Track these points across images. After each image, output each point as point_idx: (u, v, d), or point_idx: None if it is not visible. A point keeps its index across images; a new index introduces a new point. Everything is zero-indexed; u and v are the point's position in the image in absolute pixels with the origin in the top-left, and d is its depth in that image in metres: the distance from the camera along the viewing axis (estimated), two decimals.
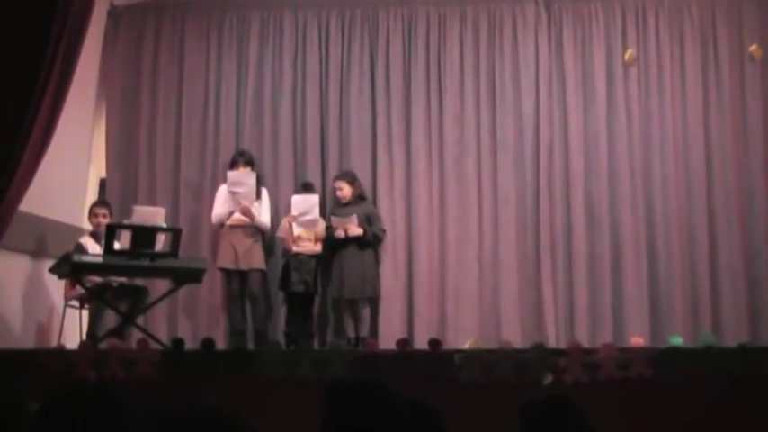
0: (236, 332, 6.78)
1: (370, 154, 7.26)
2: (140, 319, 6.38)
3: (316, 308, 6.97)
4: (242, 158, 6.89)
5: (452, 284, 7.04)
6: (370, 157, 7.25)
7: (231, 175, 6.76)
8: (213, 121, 7.38)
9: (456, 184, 7.20)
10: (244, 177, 6.75)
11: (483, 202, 7.16)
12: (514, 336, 6.61)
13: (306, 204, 6.73)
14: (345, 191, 6.89)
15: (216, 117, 7.39)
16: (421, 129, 7.26)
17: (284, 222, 6.82)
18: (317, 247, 6.78)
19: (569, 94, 7.23)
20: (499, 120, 7.24)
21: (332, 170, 7.22)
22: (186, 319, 7.09)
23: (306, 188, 6.96)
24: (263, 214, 6.86)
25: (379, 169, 7.20)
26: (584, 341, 6.11)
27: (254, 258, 6.78)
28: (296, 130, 7.33)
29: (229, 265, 6.76)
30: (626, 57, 7.20)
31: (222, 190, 6.89)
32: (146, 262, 5.86)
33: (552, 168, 7.14)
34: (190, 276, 6.13)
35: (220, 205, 6.86)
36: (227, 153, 7.22)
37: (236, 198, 6.70)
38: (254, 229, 6.81)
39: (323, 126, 7.33)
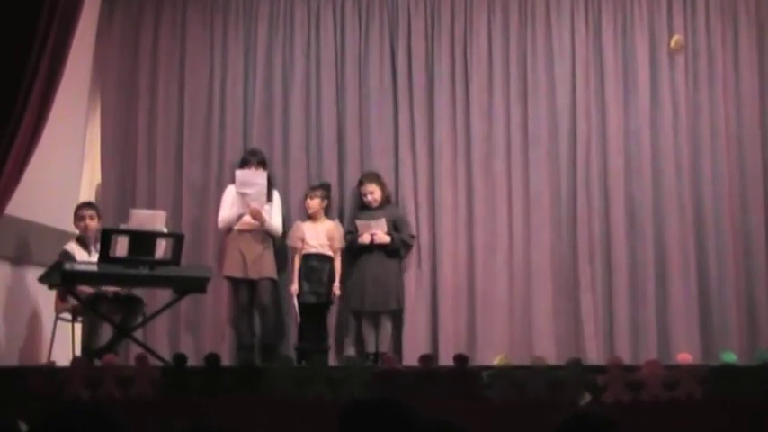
0: (243, 347, 6.81)
1: (393, 152, 7.28)
2: (139, 333, 6.38)
3: (333, 319, 7.00)
4: (254, 158, 6.90)
5: (480, 295, 7.05)
6: (392, 156, 7.28)
7: (240, 174, 6.77)
8: (218, 115, 7.38)
9: (484, 184, 7.20)
10: (254, 176, 6.76)
11: (513, 205, 7.17)
12: (548, 351, 6.59)
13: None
14: (377, 194, 6.92)
15: (221, 111, 7.39)
16: (445, 124, 7.26)
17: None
18: (327, 250, 6.82)
19: (608, 86, 7.21)
20: (531, 114, 7.23)
21: (350, 170, 7.24)
22: (189, 332, 7.10)
23: (323, 189, 6.99)
24: (274, 218, 6.87)
25: (402, 169, 7.22)
26: (626, 357, 6.07)
27: (265, 266, 6.79)
28: (309, 126, 7.34)
29: (237, 273, 6.77)
30: (672, 43, 7.16)
31: (230, 191, 6.90)
32: (144, 270, 5.85)
33: (590, 167, 7.13)
34: (193, 286, 6.12)
35: (228, 208, 6.87)
36: (233, 151, 7.27)
37: (245, 199, 6.72)
38: (264, 235, 6.83)
39: (339, 121, 7.33)
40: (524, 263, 7.08)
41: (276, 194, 6.98)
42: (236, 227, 6.83)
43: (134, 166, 7.36)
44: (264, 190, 6.73)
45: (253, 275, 6.75)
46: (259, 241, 6.81)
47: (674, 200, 7.05)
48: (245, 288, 6.82)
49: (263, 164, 6.92)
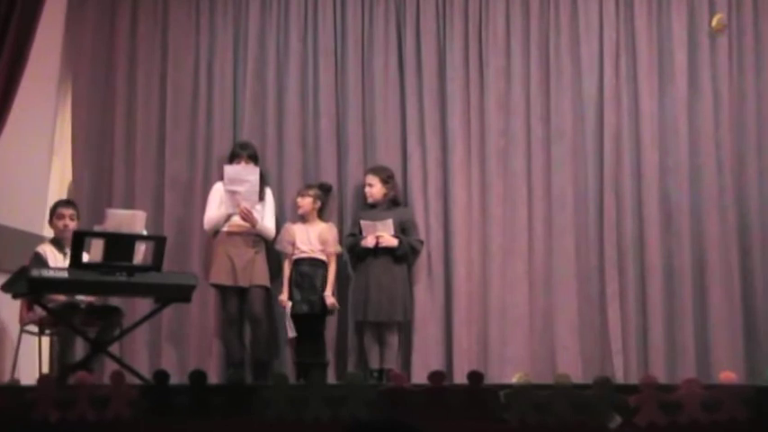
0: (233, 363, 6.80)
1: (399, 147, 7.30)
2: (115, 348, 6.37)
3: (332, 332, 7.00)
4: (244, 152, 6.92)
5: (497, 305, 7.05)
6: (398, 151, 7.29)
7: (229, 170, 6.78)
8: (205, 106, 7.39)
9: (501, 182, 7.20)
10: (245, 172, 6.77)
11: (534, 205, 7.18)
12: (573, 368, 6.61)
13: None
14: (375, 189, 6.93)
15: (208, 101, 7.40)
16: (458, 115, 7.26)
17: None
18: (320, 254, 6.84)
19: (641, 71, 7.20)
20: (554, 104, 7.24)
21: (351, 167, 7.27)
22: (172, 346, 7.11)
23: (318, 189, 7.00)
24: (266, 218, 6.89)
25: (409, 165, 7.23)
26: (661, 376, 6.14)
27: (256, 273, 6.79)
28: (305, 118, 7.35)
29: (226, 280, 6.78)
30: (714, 23, 7.15)
31: (217, 189, 6.92)
32: (122, 277, 5.82)
33: (620, 163, 7.13)
34: (176, 294, 6.11)
35: (215, 207, 6.88)
36: (221, 145, 7.27)
37: (234, 198, 6.73)
38: (256, 237, 6.85)
39: (339, 112, 7.34)
40: (546, 270, 7.09)
41: (269, 192, 6.99)
42: (225, 229, 6.83)
43: (110, 162, 7.35)
44: (257, 188, 6.75)
45: (243, 283, 6.76)
46: (250, 245, 6.81)
47: (715, 199, 7.06)
48: (234, 297, 6.82)
49: (254, 158, 6.93)
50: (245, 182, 6.72)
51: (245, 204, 6.71)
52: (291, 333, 6.79)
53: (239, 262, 6.75)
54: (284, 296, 6.83)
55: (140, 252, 5.97)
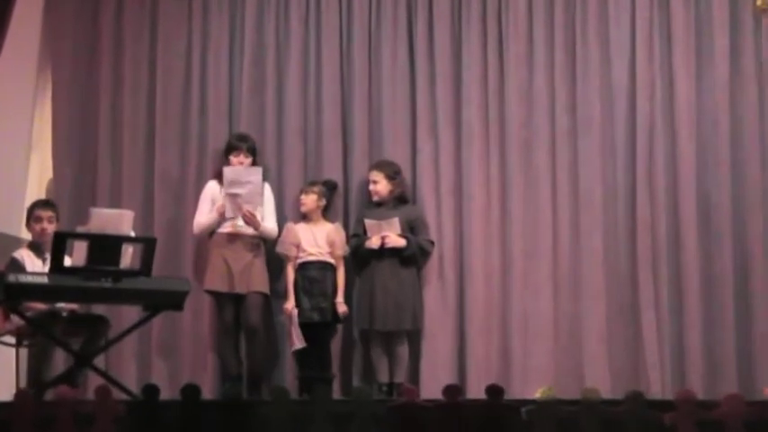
0: (229, 377, 6.80)
1: (409, 140, 7.30)
2: (100, 360, 6.37)
3: (337, 342, 7.00)
4: (243, 144, 6.93)
5: (518, 313, 7.06)
6: (408, 144, 7.29)
7: (229, 171, 6.77)
8: (198, 95, 7.39)
9: (522, 179, 7.21)
10: (246, 174, 6.77)
11: (559, 204, 7.18)
12: (602, 382, 6.63)
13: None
14: (381, 186, 6.94)
15: (201, 91, 7.40)
16: (475, 105, 7.25)
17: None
18: (328, 257, 6.86)
19: (677, 56, 7.19)
20: (580, 92, 7.24)
21: (356, 161, 7.27)
22: (162, 359, 7.11)
23: (323, 186, 7.01)
24: (267, 218, 6.91)
25: (420, 159, 7.23)
26: (699, 391, 6.12)
27: (255, 277, 6.81)
28: (307, 108, 7.36)
29: (221, 286, 6.79)
30: (759, 1, 7.07)
31: (210, 189, 6.94)
32: (107, 283, 5.82)
33: (653, 157, 7.11)
34: (167, 302, 6.10)
35: (206, 211, 6.91)
36: (216, 138, 7.26)
37: (235, 201, 6.73)
38: (255, 239, 6.87)
39: (343, 101, 7.36)
40: (572, 274, 7.10)
41: (267, 188, 6.99)
42: (221, 230, 6.85)
43: (94, 157, 7.35)
44: (260, 189, 6.78)
45: (240, 289, 6.77)
46: (249, 248, 6.83)
47: (759, 197, 7.06)
48: (230, 304, 6.83)
49: (253, 151, 6.94)
50: (247, 183, 6.72)
51: (248, 208, 6.72)
52: (300, 344, 6.75)
53: (236, 266, 6.75)
54: (291, 304, 6.81)
55: (128, 255, 5.96)
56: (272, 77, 7.37)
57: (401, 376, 6.76)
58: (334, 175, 7.17)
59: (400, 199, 7.00)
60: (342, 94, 7.35)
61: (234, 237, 6.81)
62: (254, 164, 6.92)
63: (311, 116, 7.34)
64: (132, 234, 6.16)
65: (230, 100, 7.40)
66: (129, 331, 6.33)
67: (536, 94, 7.24)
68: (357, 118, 7.30)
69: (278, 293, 6.96)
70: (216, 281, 6.79)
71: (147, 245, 6.01)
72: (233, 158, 6.89)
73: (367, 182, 7.05)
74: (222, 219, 6.79)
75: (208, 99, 7.38)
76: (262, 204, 6.82)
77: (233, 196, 6.72)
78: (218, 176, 6.89)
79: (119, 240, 5.92)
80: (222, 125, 7.33)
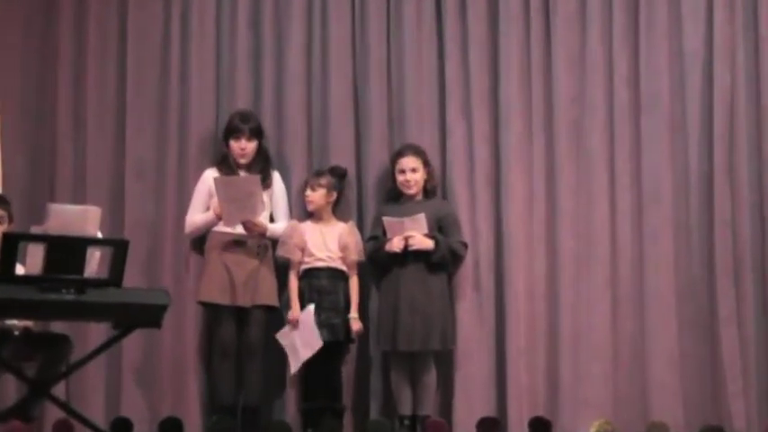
0: (219, 408, 6.80)
1: (437, 120, 7.32)
2: (60, 389, 6.38)
3: (350, 366, 7.04)
4: (245, 125, 6.97)
5: (568, 330, 7.08)
6: (435, 126, 7.31)
7: (219, 182, 6.79)
8: (178, 66, 7.42)
9: (573, 166, 7.23)
10: (242, 184, 6.81)
11: (618, 197, 7.19)
12: (673, 414, 6.71)
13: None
14: (419, 175, 6.95)
15: (183, 63, 7.43)
16: (516, 79, 7.27)
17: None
18: (340, 263, 6.91)
19: (763, 19, 7.12)
20: (644, 61, 7.23)
21: (371, 146, 7.30)
22: (136, 386, 7.10)
23: (332, 176, 6.99)
24: (279, 218, 6.99)
25: (450, 144, 7.25)
26: None
27: (262, 288, 6.84)
28: (312, 82, 7.39)
29: (221, 298, 6.82)
30: None
31: (207, 180, 6.94)
32: (69, 295, 5.65)
33: (735, 141, 7.09)
34: (142, 318, 5.92)
35: (200, 207, 6.98)
36: (201, 118, 7.31)
37: (231, 210, 6.76)
38: (262, 242, 6.91)
39: (355, 74, 7.40)
40: (635, 283, 7.10)
41: (278, 179, 7.06)
42: (219, 229, 6.88)
43: (52, 143, 7.37)
44: (260, 197, 6.80)
45: (243, 302, 6.80)
46: (254, 253, 6.87)
47: None
48: (230, 320, 6.84)
49: (258, 133, 6.97)
50: (244, 197, 6.73)
51: (246, 217, 6.76)
52: (316, 344, 6.72)
53: (239, 274, 6.79)
54: (295, 314, 6.80)
55: (93, 261, 5.82)
56: (271, 48, 7.38)
57: (427, 408, 6.78)
58: (346, 162, 7.16)
59: (427, 192, 6.97)
60: (354, 66, 7.37)
61: (237, 239, 6.86)
62: (259, 148, 6.95)
63: (316, 89, 7.35)
64: (99, 235, 6.03)
65: (218, 72, 7.41)
66: (95, 353, 6.16)
67: (590, 63, 7.24)
68: (373, 93, 7.31)
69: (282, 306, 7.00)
70: (214, 291, 6.81)
71: (118, 248, 5.83)
72: (233, 143, 6.92)
73: (385, 171, 7.11)
74: (220, 220, 6.83)
75: (190, 72, 7.37)
76: (264, 210, 6.87)
77: (228, 203, 6.73)
78: (218, 163, 6.97)
79: (83, 243, 5.75)
80: (208, 102, 7.35)
